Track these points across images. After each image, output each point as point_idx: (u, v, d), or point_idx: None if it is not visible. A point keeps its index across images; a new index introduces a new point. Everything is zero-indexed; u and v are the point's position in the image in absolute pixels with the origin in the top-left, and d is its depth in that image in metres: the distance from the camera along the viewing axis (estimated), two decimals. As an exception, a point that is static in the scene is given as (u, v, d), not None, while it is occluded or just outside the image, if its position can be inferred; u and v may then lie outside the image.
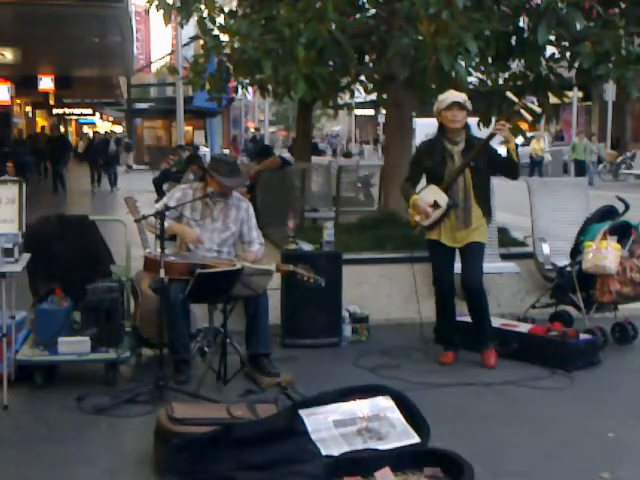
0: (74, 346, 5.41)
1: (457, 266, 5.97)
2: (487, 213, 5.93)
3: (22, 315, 5.86)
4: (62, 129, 45.02)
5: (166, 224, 5.24)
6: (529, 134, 31.61)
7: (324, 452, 3.91)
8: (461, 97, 5.78)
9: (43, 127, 33.28)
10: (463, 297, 5.98)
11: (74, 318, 5.61)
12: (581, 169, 24.90)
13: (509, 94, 7.88)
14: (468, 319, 6.03)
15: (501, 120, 5.85)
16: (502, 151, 5.81)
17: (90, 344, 5.41)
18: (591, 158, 25.77)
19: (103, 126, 53.57)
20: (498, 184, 6.77)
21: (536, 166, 27.70)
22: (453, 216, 5.80)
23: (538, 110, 7.97)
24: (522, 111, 7.34)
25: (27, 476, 4.05)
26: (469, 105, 5.78)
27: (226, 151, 31.25)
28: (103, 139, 27.16)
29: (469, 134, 5.87)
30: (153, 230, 5.54)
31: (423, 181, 6.04)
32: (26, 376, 5.31)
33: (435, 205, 5.79)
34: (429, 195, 5.86)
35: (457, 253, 5.95)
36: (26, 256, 5.23)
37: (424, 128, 6.82)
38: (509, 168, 5.85)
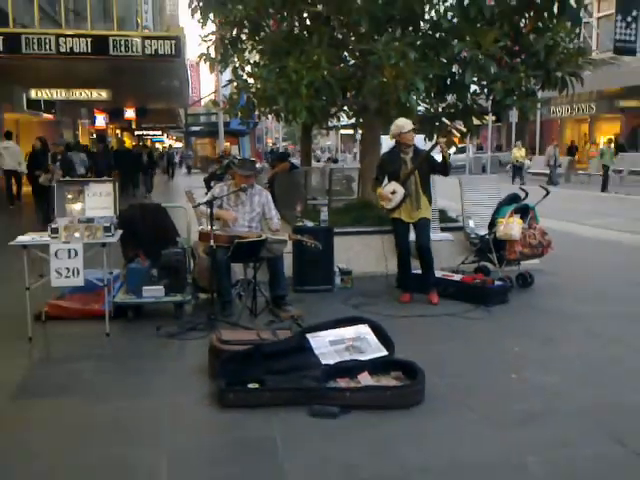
0: (153, 292, 5.40)
1: (412, 236, 5.97)
2: (430, 199, 5.97)
3: (117, 272, 5.86)
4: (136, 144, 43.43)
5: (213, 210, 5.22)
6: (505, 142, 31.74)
7: (323, 362, 3.93)
8: (411, 124, 5.89)
9: (98, 140, 22.22)
10: (416, 257, 5.98)
11: (153, 273, 5.59)
12: (607, 174, 19.30)
13: (444, 119, 7.85)
14: (419, 272, 6.03)
15: (440, 136, 5.89)
16: (438, 158, 5.82)
17: (164, 291, 5.42)
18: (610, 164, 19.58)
19: (168, 142, 53.06)
20: (439, 180, 6.72)
21: (517, 171, 23.03)
22: (409, 202, 5.84)
23: (464, 130, 7.96)
24: (453, 130, 7.31)
25: (120, 380, 4.07)
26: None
27: (252, 159, 30.81)
28: (127, 151, 21.23)
29: (415, 146, 5.93)
30: (203, 216, 5.53)
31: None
32: (121, 313, 5.32)
33: (393, 193, 5.84)
34: (390, 188, 5.88)
35: (411, 228, 5.96)
36: (119, 232, 5.20)
37: (387, 142, 6.78)
38: (443, 169, 5.85)
